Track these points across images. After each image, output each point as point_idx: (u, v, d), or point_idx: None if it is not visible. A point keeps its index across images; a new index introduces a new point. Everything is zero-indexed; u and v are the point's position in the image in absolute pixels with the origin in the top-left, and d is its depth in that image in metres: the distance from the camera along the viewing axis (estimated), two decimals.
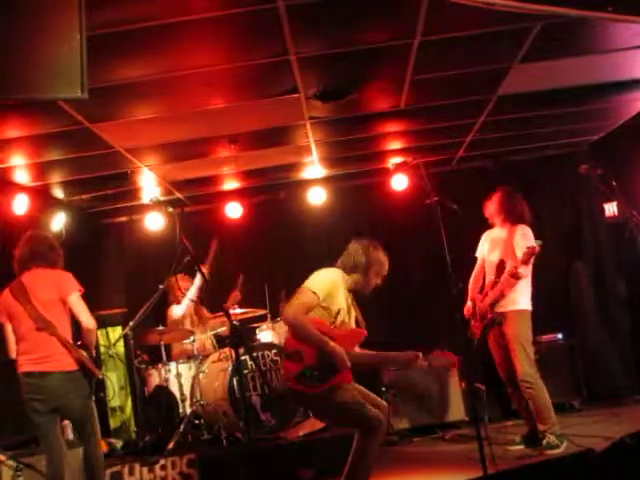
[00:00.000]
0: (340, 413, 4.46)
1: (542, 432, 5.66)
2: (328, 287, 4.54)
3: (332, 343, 4.31)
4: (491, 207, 6.10)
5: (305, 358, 4.35)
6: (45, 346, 4.72)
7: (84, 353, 4.83)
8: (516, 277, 5.64)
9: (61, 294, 4.82)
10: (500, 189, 6.09)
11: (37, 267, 4.90)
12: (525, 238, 5.80)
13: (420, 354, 4.56)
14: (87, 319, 4.85)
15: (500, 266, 5.88)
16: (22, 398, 4.78)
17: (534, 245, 5.54)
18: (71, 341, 4.84)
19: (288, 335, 4.57)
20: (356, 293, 4.76)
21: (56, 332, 4.73)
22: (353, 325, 4.72)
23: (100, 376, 5.15)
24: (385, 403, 4.61)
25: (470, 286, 6.17)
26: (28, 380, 4.75)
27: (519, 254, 5.73)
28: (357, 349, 4.66)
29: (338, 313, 4.56)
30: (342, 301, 4.59)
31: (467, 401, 7.12)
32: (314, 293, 4.44)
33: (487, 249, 6.14)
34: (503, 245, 5.92)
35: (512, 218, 5.96)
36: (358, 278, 4.66)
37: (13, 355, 4.87)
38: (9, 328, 4.89)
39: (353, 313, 4.73)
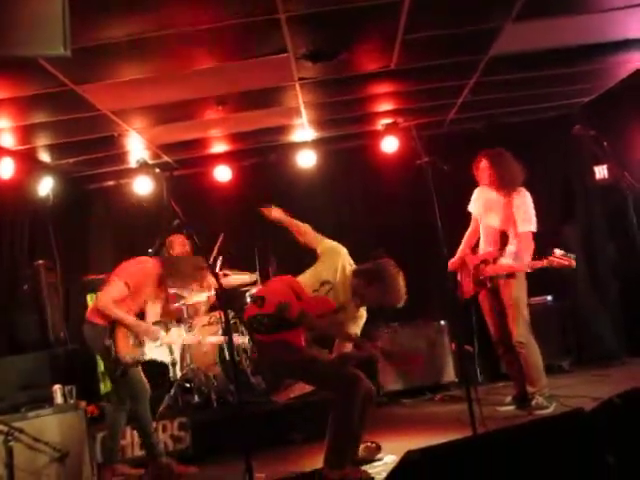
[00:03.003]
0: (303, 372, 4.58)
1: (532, 393, 5.71)
2: (331, 246, 4.72)
3: None
4: (483, 177, 5.99)
5: (265, 306, 4.43)
6: None
7: None
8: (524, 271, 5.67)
9: None
10: (485, 155, 5.97)
11: None
12: (525, 205, 5.76)
13: (380, 351, 4.56)
14: None
15: (502, 237, 5.84)
16: None
17: (571, 260, 5.48)
18: None
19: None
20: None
21: None
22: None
23: None
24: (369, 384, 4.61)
25: (463, 241, 6.17)
26: None
27: (520, 225, 5.70)
28: None
29: (324, 284, 4.56)
30: (335, 277, 4.59)
31: (457, 362, 7.16)
32: (319, 236, 4.69)
33: (482, 210, 6.09)
34: (502, 212, 5.85)
35: (507, 184, 5.88)
36: (360, 283, 4.61)
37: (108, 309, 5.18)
38: (125, 290, 5.22)
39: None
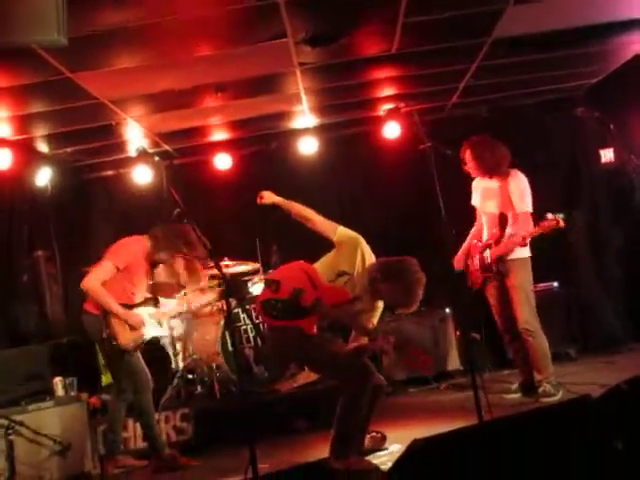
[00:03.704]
0: (314, 360, 4.56)
1: (539, 381, 5.69)
2: (349, 235, 4.58)
3: None
4: (471, 168, 5.93)
5: (280, 291, 4.40)
6: None
7: None
8: (525, 245, 5.63)
9: None
10: (467, 146, 5.90)
11: None
12: (519, 187, 5.73)
13: (389, 343, 4.49)
14: None
15: (502, 220, 5.82)
16: None
17: (558, 219, 5.44)
18: None
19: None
20: None
21: None
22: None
23: None
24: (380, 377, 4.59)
25: (469, 237, 6.15)
26: None
27: (517, 203, 5.68)
28: None
29: (341, 275, 4.51)
30: (354, 268, 4.53)
31: (462, 350, 7.16)
32: (335, 225, 4.54)
33: (480, 199, 6.08)
34: (499, 197, 5.84)
35: (495, 169, 5.85)
36: (377, 276, 4.42)
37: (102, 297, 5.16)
38: (113, 271, 5.20)
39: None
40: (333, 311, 4.46)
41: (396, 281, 4.37)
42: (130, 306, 5.26)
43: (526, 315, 5.71)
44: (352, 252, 4.54)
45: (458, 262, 6.06)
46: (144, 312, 5.33)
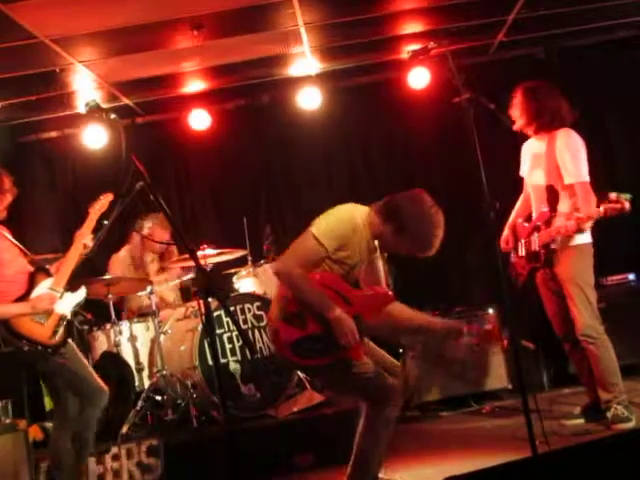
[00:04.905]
0: (348, 384, 4.55)
1: (607, 402, 5.70)
2: (342, 234, 4.44)
3: (337, 310, 4.26)
4: (516, 115, 5.95)
5: (308, 325, 4.35)
6: None
7: None
8: (583, 230, 5.63)
9: None
10: (519, 88, 5.94)
11: None
12: (570, 148, 5.72)
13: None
14: None
15: (551, 194, 5.81)
16: None
17: (623, 201, 5.42)
18: None
19: (290, 292, 4.42)
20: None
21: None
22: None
23: None
24: (398, 364, 4.69)
25: (513, 212, 6.16)
26: None
27: (565, 174, 5.67)
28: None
29: (353, 268, 4.51)
30: (362, 252, 4.52)
31: (511, 363, 7.16)
32: (320, 243, 4.36)
33: (527, 167, 6.09)
34: (546, 162, 5.83)
35: (545, 121, 5.84)
36: (388, 230, 4.46)
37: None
38: None
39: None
40: (379, 325, 4.54)
41: (411, 223, 4.42)
42: (25, 294, 5.25)
43: (585, 318, 5.70)
44: (356, 240, 4.49)
45: (507, 242, 6.07)
46: (43, 289, 5.28)
